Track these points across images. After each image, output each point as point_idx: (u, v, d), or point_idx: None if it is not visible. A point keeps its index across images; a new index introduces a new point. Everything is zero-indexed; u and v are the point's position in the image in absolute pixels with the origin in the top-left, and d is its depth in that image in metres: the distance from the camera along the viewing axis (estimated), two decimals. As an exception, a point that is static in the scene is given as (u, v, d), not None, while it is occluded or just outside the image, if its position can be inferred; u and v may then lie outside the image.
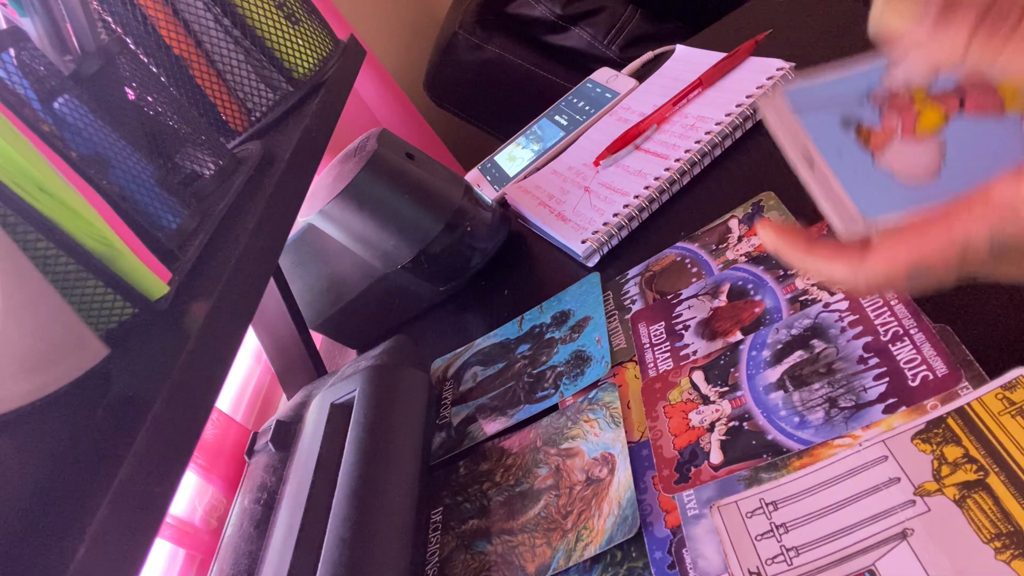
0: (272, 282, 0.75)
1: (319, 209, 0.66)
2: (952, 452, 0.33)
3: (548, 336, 0.58)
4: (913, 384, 0.36)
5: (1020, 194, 0.24)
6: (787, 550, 0.34)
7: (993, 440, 0.32)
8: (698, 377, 0.45)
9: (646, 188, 0.63)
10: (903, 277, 0.27)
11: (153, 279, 0.37)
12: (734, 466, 0.39)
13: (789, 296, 0.45)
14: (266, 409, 0.86)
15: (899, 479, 0.33)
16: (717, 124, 0.64)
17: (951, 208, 0.26)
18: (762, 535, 0.35)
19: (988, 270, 0.26)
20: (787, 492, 0.36)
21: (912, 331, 0.39)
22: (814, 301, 0.44)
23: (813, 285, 0.45)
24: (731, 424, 0.41)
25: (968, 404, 0.34)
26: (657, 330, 0.50)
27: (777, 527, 0.35)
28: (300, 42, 0.61)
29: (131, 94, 0.47)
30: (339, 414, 0.56)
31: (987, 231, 0.25)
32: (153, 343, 0.36)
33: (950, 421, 0.34)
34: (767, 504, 0.36)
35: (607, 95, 0.82)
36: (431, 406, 0.60)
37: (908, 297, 0.40)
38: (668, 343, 0.49)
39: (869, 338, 0.40)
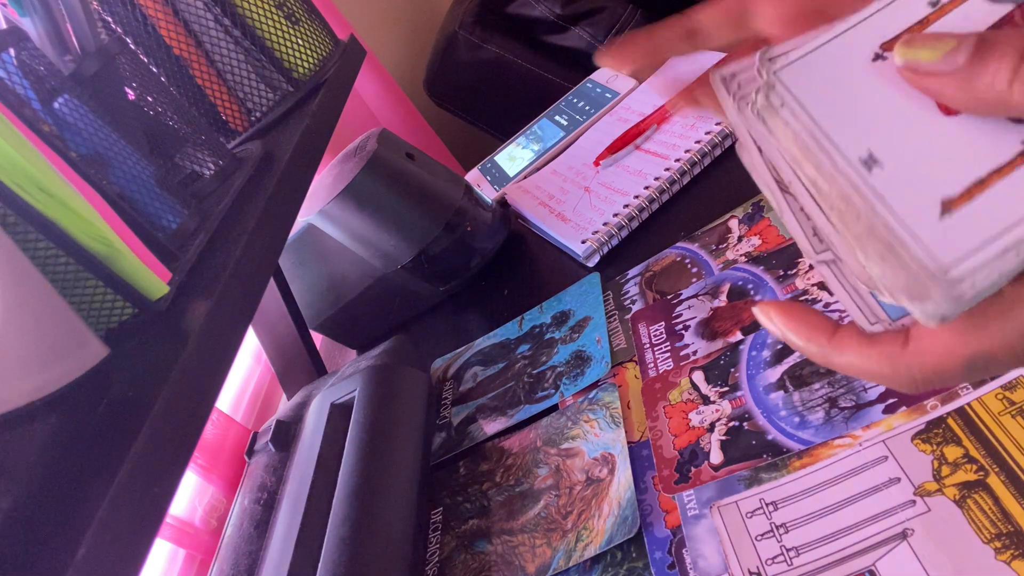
0: (272, 282, 0.75)
1: (319, 209, 0.66)
2: (952, 452, 0.33)
3: (548, 336, 0.58)
4: (913, 384, 0.36)
5: None
6: (787, 550, 0.34)
7: (993, 440, 0.32)
8: (698, 377, 0.45)
9: (646, 188, 0.63)
10: (960, 373, 0.22)
11: (153, 279, 0.37)
12: (734, 466, 0.39)
13: (789, 296, 0.45)
14: (266, 409, 0.86)
15: (899, 479, 0.33)
16: (717, 124, 0.64)
17: (1006, 295, 0.21)
18: (762, 535, 0.35)
19: None
20: (787, 492, 0.36)
21: (912, 331, 0.39)
22: (815, 301, 0.44)
23: (814, 285, 0.45)
24: (731, 424, 0.41)
25: (968, 404, 0.34)
26: (657, 330, 0.50)
27: (777, 527, 0.35)
28: (300, 42, 0.61)
29: (131, 94, 0.47)
30: (339, 414, 0.56)
31: None
32: (153, 343, 0.36)
33: (950, 421, 0.34)
34: (767, 504, 0.36)
35: (607, 95, 0.82)
36: (431, 406, 0.60)
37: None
38: (668, 343, 0.49)
39: (869, 338, 0.40)
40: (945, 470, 0.33)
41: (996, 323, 0.21)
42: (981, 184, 0.21)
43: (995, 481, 0.31)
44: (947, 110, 0.22)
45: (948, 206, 0.21)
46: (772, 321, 0.25)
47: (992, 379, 0.34)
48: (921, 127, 0.22)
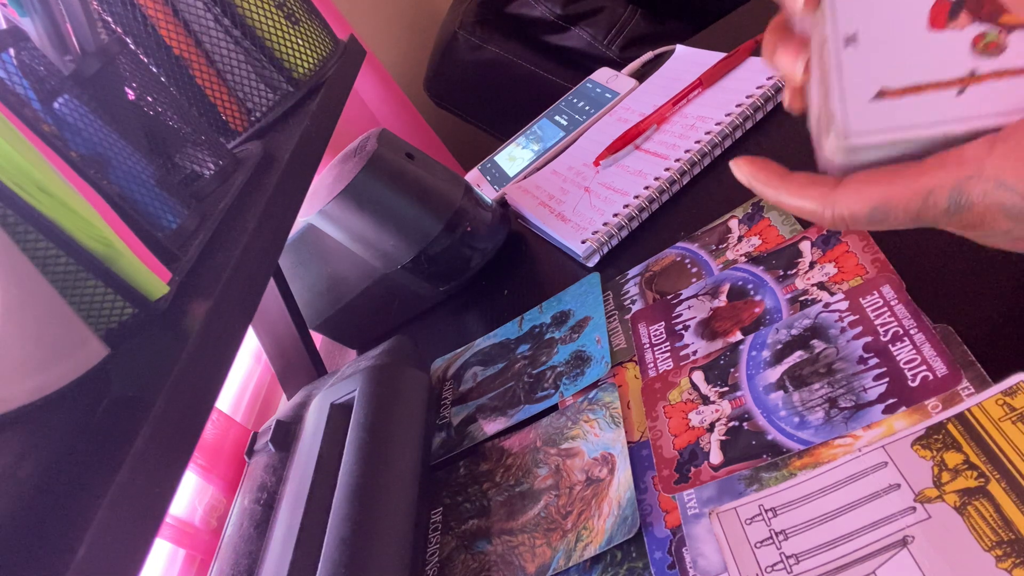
0: (272, 282, 0.75)
1: (319, 209, 0.66)
2: (952, 458, 0.33)
3: (548, 336, 0.58)
4: (913, 384, 0.36)
5: (989, 159, 0.25)
6: (787, 557, 0.34)
7: (994, 446, 0.32)
8: (698, 377, 0.45)
9: (646, 188, 0.63)
10: (865, 215, 0.29)
11: (153, 279, 0.37)
12: (734, 466, 0.39)
13: (789, 296, 0.45)
14: (266, 409, 0.86)
15: (899, 485, 0.33)
16: (717, 124, 0.64)
17: (926, 160, 0.27)
18: (761, 542, 0.35)
19: (946, 225, 0.28)
20: (787, 498, 0.36)
21: (912, 331, 0.39)
22: (814, 301, 0.44)
23: (814, 285, 0.45)
24: (731, 424, 0.41)
25: (968, 410, 0.34)
26: (657, 330, 0.50)
27: (776, 534, 0.35)
28: (300, 42, 0.60)
29: (131, 94, 0.47)
30: (339, 414, 0.56)
31: (949, 187, 0.26)
32: (153, 343, 0.36)
33: (950, 427, 0.34)
34: (766, 511, 0.36)
35: (607, 95, 0.82)
36: (431, 406, 0.60)
37: (908, 296, 0.40)
38: (668, 343, 0.49)
39: (869, 338, 0.40)
40: (945, 476, 0.33)
41: (903, 182, 0.27)
42: (916, 88, 0.27)
43: (996, 488, 0.31)
44: (934, 23, 0.27)
45: (882, 94, 0.28)
46: (740, 169, 0.33)
47: (993, 378, 0.34)
48: (905, 28, 0.28)
